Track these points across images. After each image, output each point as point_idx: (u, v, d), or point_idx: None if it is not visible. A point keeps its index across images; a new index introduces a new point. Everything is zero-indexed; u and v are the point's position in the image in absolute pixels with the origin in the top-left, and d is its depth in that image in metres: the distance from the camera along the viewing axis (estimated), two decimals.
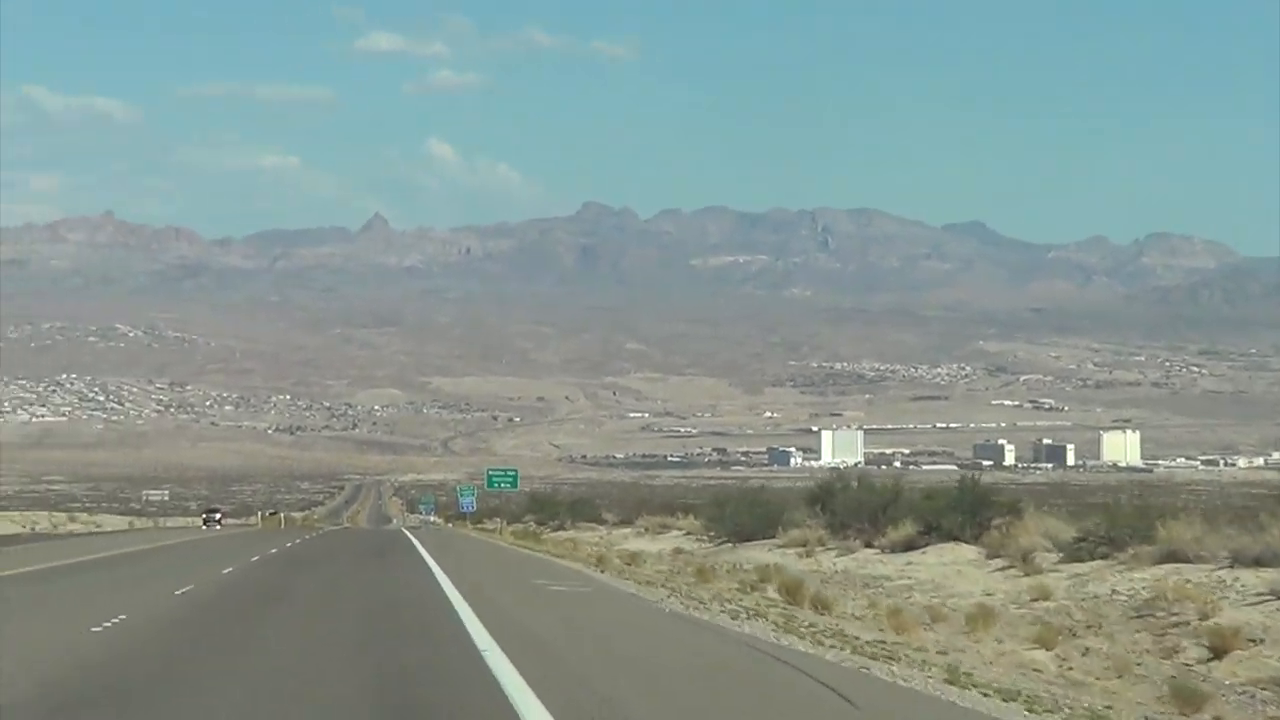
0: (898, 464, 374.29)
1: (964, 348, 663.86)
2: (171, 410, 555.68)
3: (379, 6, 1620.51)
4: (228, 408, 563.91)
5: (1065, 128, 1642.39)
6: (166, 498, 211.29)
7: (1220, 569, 38.30)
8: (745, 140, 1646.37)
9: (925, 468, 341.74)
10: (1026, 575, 43.99)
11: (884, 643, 28.27)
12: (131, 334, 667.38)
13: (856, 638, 28.37)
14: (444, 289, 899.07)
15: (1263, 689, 27.41)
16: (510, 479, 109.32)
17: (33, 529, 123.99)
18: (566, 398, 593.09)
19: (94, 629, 25.58)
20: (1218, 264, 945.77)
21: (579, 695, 18.15)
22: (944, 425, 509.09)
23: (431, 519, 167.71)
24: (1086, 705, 22.49)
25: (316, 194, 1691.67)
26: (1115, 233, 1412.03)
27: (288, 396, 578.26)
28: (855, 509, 62.24)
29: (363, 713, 17.28)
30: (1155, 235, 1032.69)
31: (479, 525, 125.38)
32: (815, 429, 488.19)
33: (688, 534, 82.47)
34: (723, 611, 32.65)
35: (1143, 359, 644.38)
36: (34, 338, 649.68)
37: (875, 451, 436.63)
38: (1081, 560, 44.21)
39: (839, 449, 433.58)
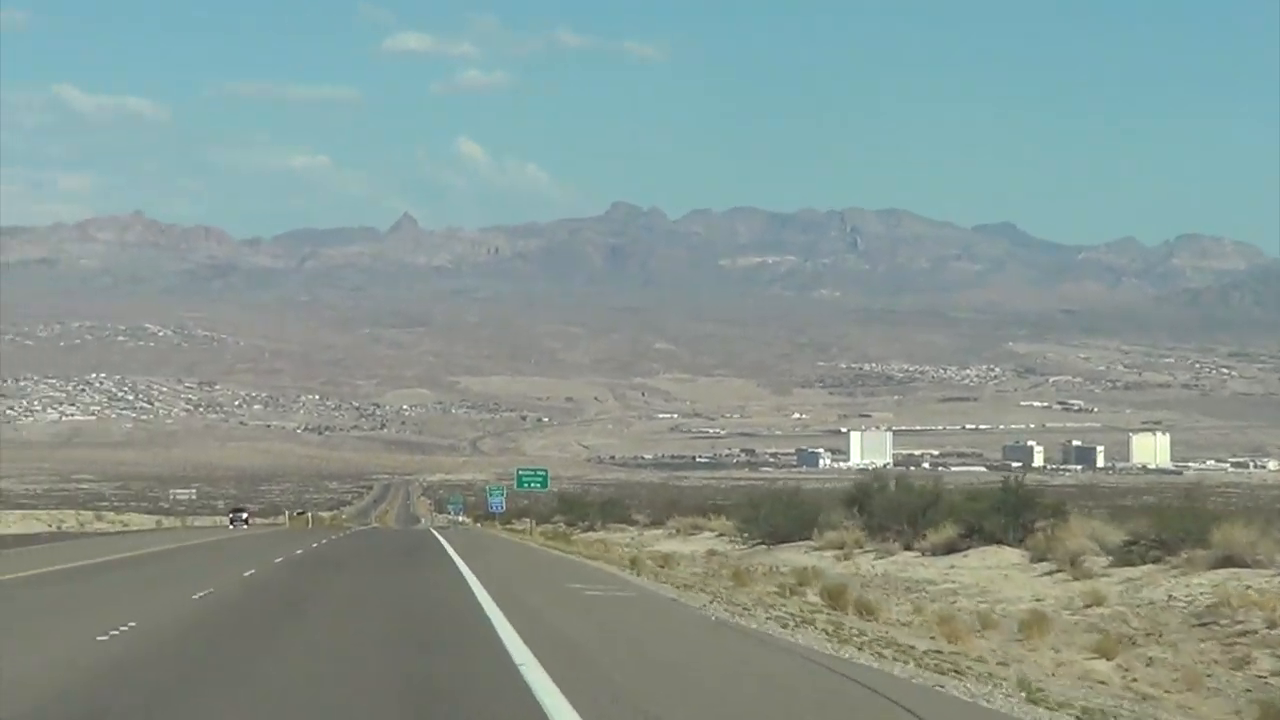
0: (926, 465, 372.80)
1: (993, 349, 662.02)
2: (200, 410, 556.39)
3: (407, 6, 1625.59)
4: (256, 407, 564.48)
5: (1096, 129, 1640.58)
6: (194, 497, 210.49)
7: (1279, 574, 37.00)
8: (774, 140, 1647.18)
9: (955, 469, 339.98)
10: (1076, 579, 42.88)
11: (940, 652, 26.86)
12: (161, 333, 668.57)
13: (912, 647, 26.82)
14: (473, 289, 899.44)
15: None
16: (540, 479, 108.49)
17: (58, 528, 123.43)
18: (595, 398, 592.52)
19: (100, 637, 24.31)
20: (1248, 265, 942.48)
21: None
22: (973, 426, 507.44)
23: (460, 519, 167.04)
24: None
25: (346, 194, 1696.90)
26: (1145, 234, 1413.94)
27: (316, 396, 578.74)
28: (894, 511, 61.24)
29: None
30: (1185, 236, 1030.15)
31: (508, 525, 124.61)
32: (844, 430, 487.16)
33: (720, 535, 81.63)
34: (769, 619, 31.14)
35: (1172, 360, 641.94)
36: (63, 337, 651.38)
37: (904, 453, 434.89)
38: (1132, 564, 43.05)
39: (868, 450, 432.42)
